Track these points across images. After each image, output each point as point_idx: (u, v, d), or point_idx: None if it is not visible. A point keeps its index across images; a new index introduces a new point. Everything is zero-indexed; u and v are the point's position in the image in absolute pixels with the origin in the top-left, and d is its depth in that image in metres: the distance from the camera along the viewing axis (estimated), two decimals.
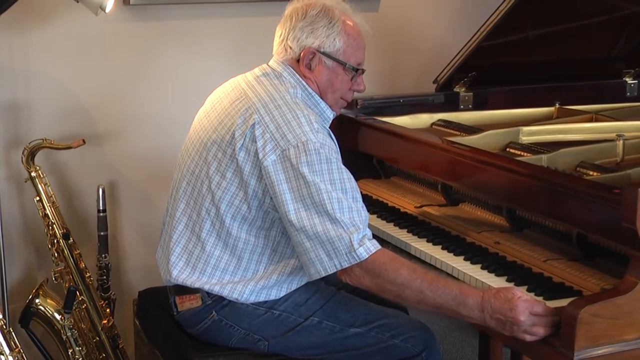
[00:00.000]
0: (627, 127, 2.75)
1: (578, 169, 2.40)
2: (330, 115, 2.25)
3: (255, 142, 2.07)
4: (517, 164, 2.32)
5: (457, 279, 2.14)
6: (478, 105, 3.19)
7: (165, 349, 2.32)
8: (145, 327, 2.45)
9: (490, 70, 3.14)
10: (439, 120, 3.00)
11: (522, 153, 2.57)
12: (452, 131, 2.86)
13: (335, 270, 2.03)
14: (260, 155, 2.06)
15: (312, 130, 2.06)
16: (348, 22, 2.22)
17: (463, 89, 3.18)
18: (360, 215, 2.04)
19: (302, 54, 2.18)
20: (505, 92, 3.24)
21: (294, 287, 2.21)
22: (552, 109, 3.12)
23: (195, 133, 2.26)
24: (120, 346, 2.89)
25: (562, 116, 3.03)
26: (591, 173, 2.33)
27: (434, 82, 3.18)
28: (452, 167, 2.46)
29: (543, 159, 2.44)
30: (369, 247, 2.01)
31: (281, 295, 2.20)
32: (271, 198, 2.08)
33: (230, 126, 2.13)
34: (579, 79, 3.25)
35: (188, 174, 2.23)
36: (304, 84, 2.20)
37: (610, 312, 1.79)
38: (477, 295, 1.93)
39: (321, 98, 2.22)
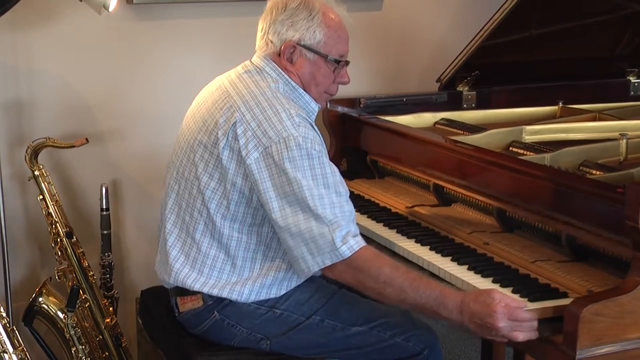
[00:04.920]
0: (630, 126, 2.75)
1: (581, 168, 2.40)
2: (315, 107, 2.24)
3: (238, 140, 2.06)
4: (520, 163, 2.32)
5: (442, 279, 2.13)
6: (481, 104, 3.19)
7: (168, 347, 2.32)
8: (148, 326, 2.45)
9: (493, 69, 3.14)
10: (442, 119, 3.00)
11: (525, 152, 2.56)
12: (455, 130, 2.86)
13: (319, 268, 2.03)
14: (244, 154, 2.05)
15: (294, 124, 2.05)
16: (329, 14, 2.19)
17: (466, 88, 3.18)
18: (342, 210, 2.03)
19: (282, 48, 2.17)
20: (508, 91, 3.24)
21: (293, 284, 2.21)
22: (555, 108, 3.12)
23: (183, 135, 2.26)
24: (123, 345, 2.89)
25: (565, 115, 3.03)
26: (594, 172, 2.33)
27: (437, 81, 3.18)
28: (455, 166, 2.46)
29: (546, 158, 2.44)
30: (352, 245, 2.00)
31: (282, 294, 2.20)
32: (257, 196, 2.08)
33: (213, 126, 2.13)
34: (582, 78, 3.25)
35: (178, 177, 2.23)
36: (287, 77, 2.18)
37: (613, 311, 1.79)
38: (457, 297, 1.93)
39: (305, 91, 2.21)
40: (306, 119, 2.11)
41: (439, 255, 2.24)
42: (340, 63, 2.22)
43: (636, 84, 3.39)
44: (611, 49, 3.34)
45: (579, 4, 3.07)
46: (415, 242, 2.34)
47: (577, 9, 3.07)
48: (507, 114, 3.06)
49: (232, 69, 2.28)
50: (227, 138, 2.08)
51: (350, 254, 2.00)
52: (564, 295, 1.94)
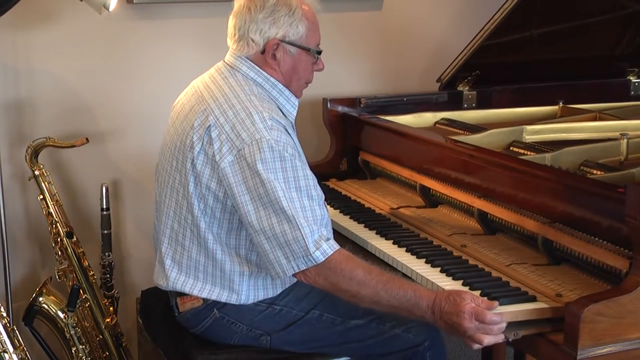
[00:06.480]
0: (630, 125, 2.75)
1: (582, 167, 2.40)
2: (296, 101, 2.24)
3: (212, 144, 2.06)
4: (521, 162, 2.32)
5: (415, 281, 2.13)
6: (481, 104, 3.19)
7: (168, 347, 2.32)
8: (148, 326, 2.45)
9: (493, 68, 3.14)
10: (442, 119, 3.00)
11: (526, 152, 2.57)
12: (455, 130, 2.86)
13: (293, 272, 2.03)
14: (217, 158, 2.05)
15: (266, 127, 2.05)
16: (304, 6, 2.18)
17: (466, 88, 3.18)
18: (314, 214, 2.03)
19: (266, 46, 2.15)
20: (509, 90, 3.24)
21: (288, 282, 2.21)
22: (555, 107, 3.12)
23: (166, 144, 2.26)
24: (123, 344, 2.89)
25: (566, 115, 3.03)
26: (595, 172, 2.33)
27: (437, 81, 3.18)
28: (455, 166, 2.46)
29: (547, 158, 2.44)
30: (325, 250, 2.00)
31: (278, 292, 2.20)
32: (232, 200, 2.07)
33: (189, 131, 2.13)
34: (582, 77, 3.25)
35: (164, 186, 2.24)
36: (266, 75, 2.17)
37: (614, 311, 1.79)
38: (430, 297, 1.95)
39: (285, 86, 2.20)
40: (279, 122, 2.10)
41: (414, 257, 2.25)
42: (320, 53, 2.22)
43: (636, 84, 3.39)
44: (611, 48, 3.34)
45: (579, 4, 3.07)
46: (393, 243, 2.35)
47: (578, 8, 3.07)
48: (507, 113, 3.06)
49: (207, 72, 2.27)
50: (202, 142, 2.09)
51: (323, 259, 2.00)
52: (533, 299, 1.95)
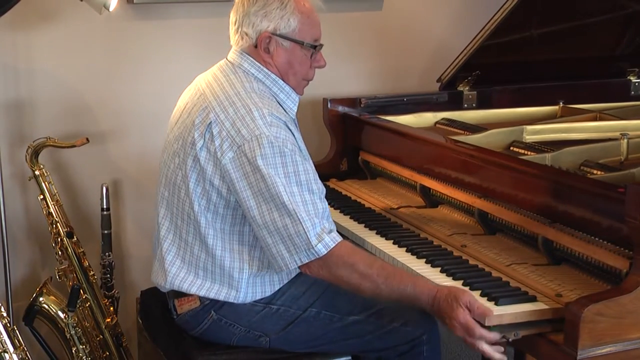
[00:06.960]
0: (631, 125, 2.75)
1: (582, 167, 2.40)
2: (296, 98, 2.25)
3: (214, 141, 2.08)
4: (521, 162, 2.32)
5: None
6: (482, 104, 3.19)
7: (168, 347, 2.32)
8: (148, 326, 2.45)
9: (493, 69, 3.14)
10: (442, 119, 3.00)
11: (526, 152, 2.57)
12: (456, 130, 2.86)
13: (296, 265, 2.06)
14: (219, 154, 2.07)
15: (266, 124, 2.06)
16: (299, 0, 2.20)
17: (467, 88, 3.18)
18: (316, 208, 2.05)
19: (258, 40, 2.17)
20: (509, 90, 3.24)
21: (285, 279, 2.22)
22: (555, 107, 3.12)
23: (168, 141, 2.27)
24: (123, 344, 2.89)
25: (566, 115, 3.03)
26: (595, 172, 2.33)
27: (437, 81, 3.18)
28: (455, 166, 2.46)
29: (547, 158, 2.44)
30: (327, 243, 2.03)
31: (276, 290, 2.21)
32: (235, 196, 2.09)
33: (190, 127, 2.14)
34: (582, 77, 3.25)
35: (167, 183, 2.24)
36: (266, 70, 2.19)
37: (614, 311, 1.79)
38: (430, 293, 1.98)
39: (284, 82, 2.22)
40: (279, 118, 2.11)
41: (414, 257, 2.25)
42: (316, 48, 2.22)
43: (637, 84, 3.39)
44: (611, 48, 3.34)
45: (579, 4, 3.07)
46: (393, 243, 2.36)
47: (578, 8, 3.07)
48: (507, 113, 3.06)
49: (209, 69, 2.28)
50: (204, 139, 2.10)
51: (326, 252, 2.03)
52: (533, 299, 1.95)
